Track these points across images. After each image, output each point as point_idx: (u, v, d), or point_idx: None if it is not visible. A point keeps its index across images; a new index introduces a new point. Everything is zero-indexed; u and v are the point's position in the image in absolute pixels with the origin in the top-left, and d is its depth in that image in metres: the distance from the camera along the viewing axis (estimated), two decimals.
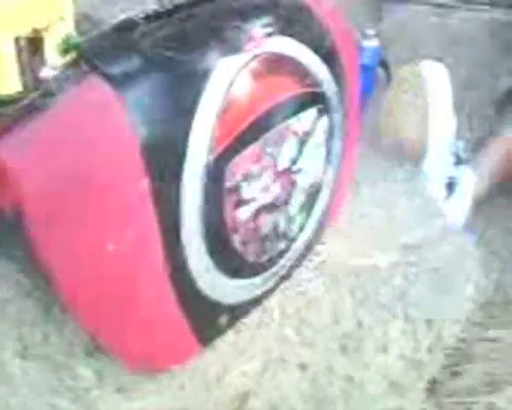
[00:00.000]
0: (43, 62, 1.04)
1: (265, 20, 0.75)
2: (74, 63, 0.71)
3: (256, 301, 0.80)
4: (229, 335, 0.78)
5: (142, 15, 0.73)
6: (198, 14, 0.74)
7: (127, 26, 0.71)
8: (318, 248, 0.90)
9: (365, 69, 1.60)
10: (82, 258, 0.65)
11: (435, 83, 1.16)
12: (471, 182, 1.15)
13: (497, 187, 1.23)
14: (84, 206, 0.64)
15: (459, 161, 1.17)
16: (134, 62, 0.67)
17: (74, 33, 1.11)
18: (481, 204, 1.21)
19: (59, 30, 1.06)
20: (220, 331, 0.78)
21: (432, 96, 1.15)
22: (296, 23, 0.79)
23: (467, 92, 1.56)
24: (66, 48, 0.96)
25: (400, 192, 1.08)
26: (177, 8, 0.76)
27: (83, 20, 1.84)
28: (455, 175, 1.14)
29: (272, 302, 0.82)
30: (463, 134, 1.27)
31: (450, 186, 1.13)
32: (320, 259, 0.89)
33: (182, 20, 0.73)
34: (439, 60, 1.45)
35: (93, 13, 1.88)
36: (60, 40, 1.02)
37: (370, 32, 1.66)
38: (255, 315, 0.80)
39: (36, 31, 1.03)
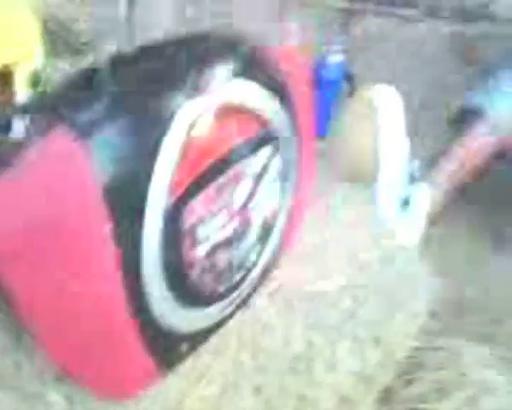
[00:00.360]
0: (12, 96, 1.08)
1: (225, 64, 0.81)
2: (40, 112, 0.76)
3: (214, 329, 0.87)
4: (189, 360, 0.85)
5: (106, 61, 0.78)
6: (161, 59, 0.80)
7: (91, 73, 0.76)
8: (273, 273, 0.97)
9: (330, 83, 1.66)
10: (47, 296, 0.71)
11: (386, 108, 1.23)
12: (426, 200, 1.22)
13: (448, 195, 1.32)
14: (49, 248, 0.69)
15: (414, 180, 1.25)
16: (98, 108, 0.71)
17: (42, 68, 1.16)
18: (437, 217, 1.29)
19: (28, 65, 1.11)
20: (181, 358, 0.84)
21: (382, 120, 1.21)
22: (253, 66, 0.84)
23: (422, 112, 1.64)
24: (34, 81, 1.01)
25: (354, 215, 1.15)
26: (142, 52, 0.82)
27: (50, 20, 1.89)
28: (409, 194, 1.21)
29: (230, 329, 0.88)
30: (418, 153, 1.34)
31: (405, 205, 1.21)
32: (275, 285, 0.96)
33: (145, 65, 0.79)
34: (398, 78, 1.55)
35: (60, 13, 1.92)
36: (29, 75, 1.07)
37: (335, 47, 1.72)
38: (213, 341, 0.86)
39: (5, 66, 1.08)
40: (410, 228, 1.22)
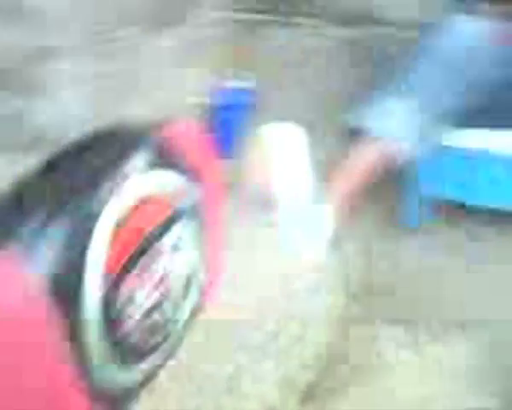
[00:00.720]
0: None
1: (137, 157, 0.95)
2: None
3: (149, 379, 1.03)
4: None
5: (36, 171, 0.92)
6: (79, 164, 0.93)
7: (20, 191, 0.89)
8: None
9: (233, 109, 1.75)
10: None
11: (283, 143, 1.37)
12: (329, 218, 1.35)
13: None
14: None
15: (316, 201, 1.37)
16: (31, 225, 0.83)
17: None
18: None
19: None
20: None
21: (278, 154, 1.36)
22: (161, 155, 0.98)
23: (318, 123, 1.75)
24: None
25: (261, 244, 1.33)
26: (61, 158, 0.95)
27: None
28: (312, 215, 1.34)
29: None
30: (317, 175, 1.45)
31: (309, 226, 1.33)
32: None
33: (66, 171, 0.92)
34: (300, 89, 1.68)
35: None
36: None
37: (242, 73, 1.80)
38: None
39: None
40: (315, 248, 1.34)
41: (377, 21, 2.24)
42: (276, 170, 1.35)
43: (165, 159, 0.99)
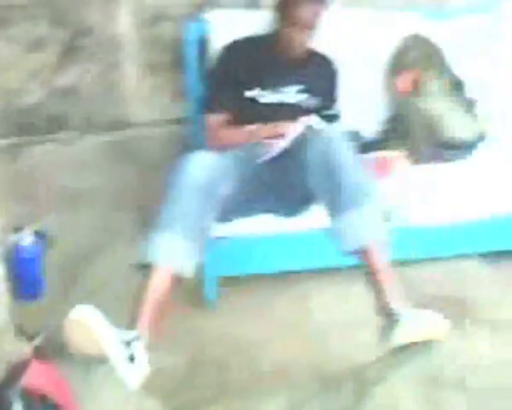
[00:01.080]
0: None
1: None
2: None
3: None
4: None
5: None
6: None
7: None
8: None
9: (29, 261, 2.02)
10: None
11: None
12: (143, 355, 1.57)
13: None
14: None
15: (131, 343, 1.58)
16: None
17: None
18: None
19: None
20: None
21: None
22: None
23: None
24: None
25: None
26: None
27: None
28: (132, 352, 1.55)
29: None
30: None
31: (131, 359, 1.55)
32: None
33: None
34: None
35: None
36: None
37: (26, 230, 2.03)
38: None
39: None
40: (136, 375, 1.56)
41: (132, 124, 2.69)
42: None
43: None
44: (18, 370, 1.40)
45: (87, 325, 1.52)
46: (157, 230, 1.70)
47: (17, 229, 2.01)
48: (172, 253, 1.67)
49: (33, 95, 2.59)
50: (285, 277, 2.09)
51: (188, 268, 1.70)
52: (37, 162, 2.58)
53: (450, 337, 1.64)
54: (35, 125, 2.63)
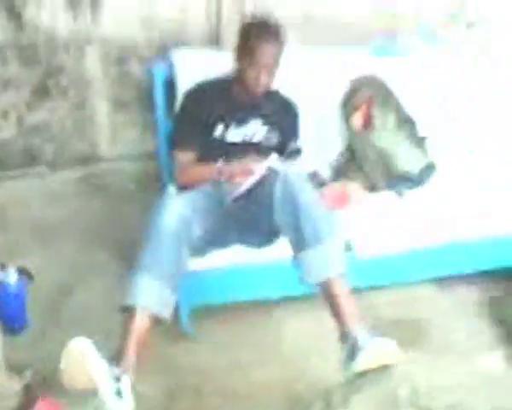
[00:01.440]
0: None
1: None
2: None
3: None
4: None
5: None
6: None
7: None
8: None
9: (15, 297, 2.09)
10: None
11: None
12: (129, 390, 1.68)
13: None
14: None
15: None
16: None
17: None
18: None
19: None
20: None
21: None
22: None
23: None
24: None
25: None
26: None
27: None
28: (119, 387, 1.66)
29: None
30: None
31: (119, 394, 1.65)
32: None
33: None
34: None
35: None
36: None
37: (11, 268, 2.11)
38: None
39: None
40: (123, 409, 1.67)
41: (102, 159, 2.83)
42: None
43: None
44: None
45: (85, 356, 1.61)
46: (136, 274, 1.81)
47: (1, 266, 2.08)
48: (151, 297, 1.79)
49: (6, 131, 2.69)
50: (259, 305, 2.21)
51: (166, 311, 1.82)
52: (10, 197, 2.66)
53: (405, 361, 1.79)
54: (7, 160, 2.71)
